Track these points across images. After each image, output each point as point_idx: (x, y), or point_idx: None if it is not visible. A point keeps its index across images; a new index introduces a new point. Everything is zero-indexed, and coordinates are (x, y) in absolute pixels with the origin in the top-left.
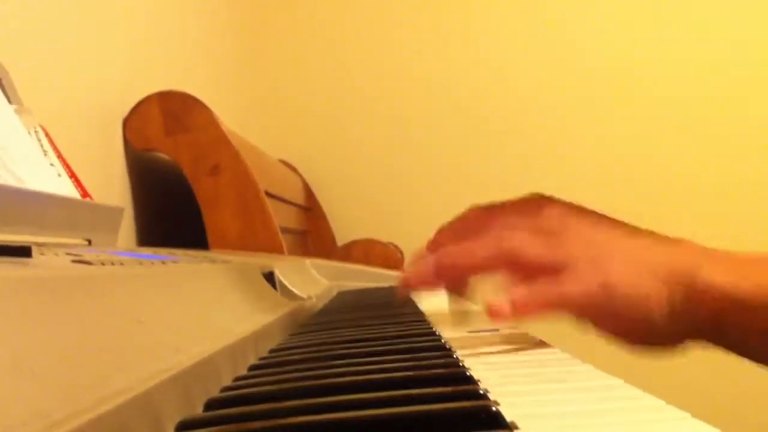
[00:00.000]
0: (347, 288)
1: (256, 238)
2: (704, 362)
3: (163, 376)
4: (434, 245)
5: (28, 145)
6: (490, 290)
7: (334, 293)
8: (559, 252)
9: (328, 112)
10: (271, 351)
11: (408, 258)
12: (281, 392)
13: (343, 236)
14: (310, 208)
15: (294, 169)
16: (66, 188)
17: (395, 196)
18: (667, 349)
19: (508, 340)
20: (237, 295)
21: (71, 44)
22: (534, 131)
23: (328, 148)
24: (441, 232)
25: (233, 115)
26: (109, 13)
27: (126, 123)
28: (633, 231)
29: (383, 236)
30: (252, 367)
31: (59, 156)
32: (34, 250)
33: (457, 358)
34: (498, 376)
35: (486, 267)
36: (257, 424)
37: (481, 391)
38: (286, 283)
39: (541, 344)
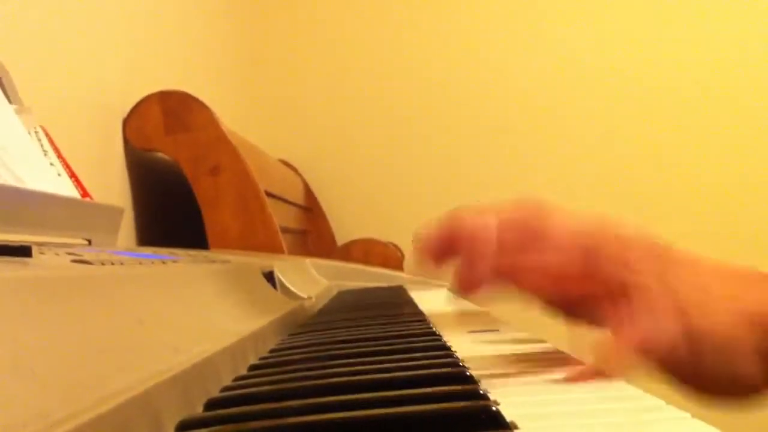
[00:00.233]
0: (347, 288)
1: (256, 237)
2: None
3: (163, 376)
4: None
5: (28, 144)
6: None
7: (334, 293)
8: (631, 278)
9: (328, 112)
10: (271, 351)
11: (408, 256)
12: (281, 392)
13: (342, 236)
14: (310, 208)
15: (294, 169)
16: (66, 188)
17: (395, 196)
18: (748, 399)
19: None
20: (237, 294)
21: (71, 44)
22: (534, 131)
23: (328, 148)
24: (424, 242)
25: (233, 115)
26: (109, 13)
27: (126, 123)
28: (706, 259)
29: (383, 236)
30: (252, 367)
31: (59, 156)
32: (34, 250)
33: (456, 357)
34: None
35: (552, 276)
36: (257, 424)
37: (481, 391)
38: (286, 282)
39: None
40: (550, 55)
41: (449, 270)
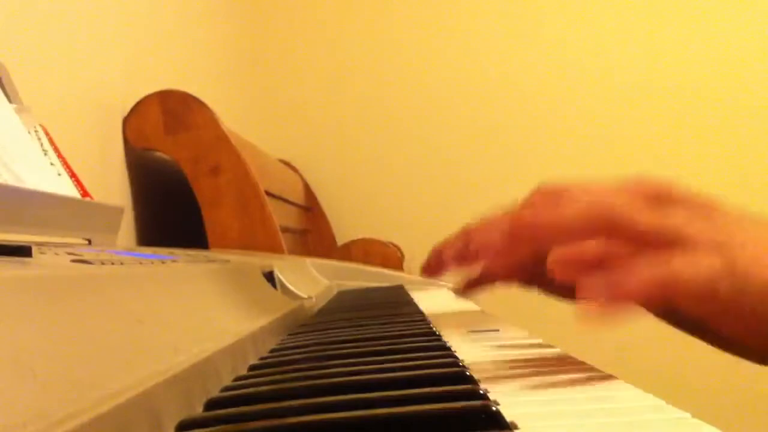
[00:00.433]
0: (347, 287)
1: (256, 237)
2: (704, 362)
3: (163, 376)
4: (432, 267)
5: (28, 144)
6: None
7: (334, 293)
8: (670, 223)
9: (328, 112)
10: (271, 351)
11: (407, 257)
12: (281, 392)
13: (342, 236)
14: (310, 208)
15: (294, 169)
16: (66, 187)
17: (395, 195)
18: None
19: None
20: (237, 294)
21: (71, 43)
22: (534, 131)
23: (328, 148)
24: (442, 249)
25: (233, 115)
26: (109, 13)
27: (126, 122)
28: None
29: (383, 236)
30: (252, 367)
31: (59, 155)
32: (34, 250)
33: (456, 357)
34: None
35: (575, 232)
36: (257, 424)
37: (481, 391)
38: (286, 282)
39: (543, 345)
40: (549, 55)
41: (452, 271)
